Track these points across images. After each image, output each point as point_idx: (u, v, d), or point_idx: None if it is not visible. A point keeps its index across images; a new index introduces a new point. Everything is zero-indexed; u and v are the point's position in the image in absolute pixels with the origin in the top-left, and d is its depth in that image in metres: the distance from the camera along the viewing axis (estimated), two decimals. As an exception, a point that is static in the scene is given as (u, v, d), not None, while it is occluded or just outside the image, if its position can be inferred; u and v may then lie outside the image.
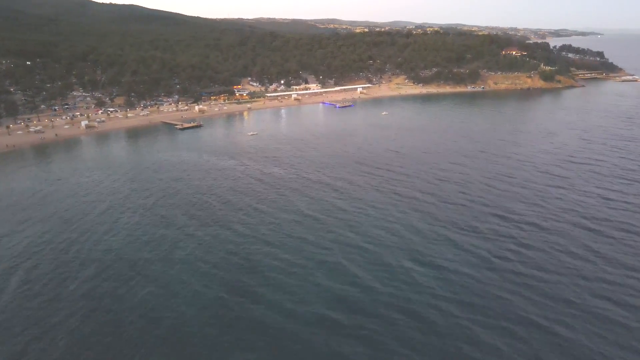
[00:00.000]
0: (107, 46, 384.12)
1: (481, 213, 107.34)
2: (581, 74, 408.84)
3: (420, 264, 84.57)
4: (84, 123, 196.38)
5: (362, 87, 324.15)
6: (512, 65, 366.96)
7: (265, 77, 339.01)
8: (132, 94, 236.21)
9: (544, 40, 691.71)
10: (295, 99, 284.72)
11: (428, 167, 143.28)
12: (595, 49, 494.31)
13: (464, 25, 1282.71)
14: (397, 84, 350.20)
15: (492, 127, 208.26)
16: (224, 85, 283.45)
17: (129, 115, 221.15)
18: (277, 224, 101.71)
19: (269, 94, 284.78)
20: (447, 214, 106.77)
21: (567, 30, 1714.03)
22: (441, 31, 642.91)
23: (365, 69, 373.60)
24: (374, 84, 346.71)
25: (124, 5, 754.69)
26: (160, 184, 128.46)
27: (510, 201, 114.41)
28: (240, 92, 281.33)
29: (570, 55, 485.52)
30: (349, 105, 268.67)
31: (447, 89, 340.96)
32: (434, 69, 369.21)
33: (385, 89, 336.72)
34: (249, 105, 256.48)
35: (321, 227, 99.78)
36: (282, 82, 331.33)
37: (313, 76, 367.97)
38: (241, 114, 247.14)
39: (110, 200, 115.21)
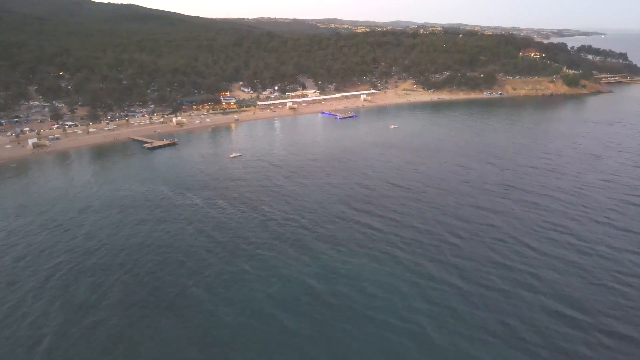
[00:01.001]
0: (89, 47, 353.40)
1: (542, 313, 73.01)
2: (604, 77, 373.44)
3: None
4: (31, 141, 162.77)
5: (366, 94, 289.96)
6: (531, 69, 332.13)
7: (258, 82, 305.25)
8: (98, 104, 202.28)
9: (549, 41, 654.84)
10: (291, 108, 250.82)
11: (450, 216, 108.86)
12: (617, 50, 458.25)
13: (466, 25, 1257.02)
14: (405, 89, 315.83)
15: (520, 146, 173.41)
16: (210, 92, 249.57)
17: (90, 130, 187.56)
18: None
19: (260, 103, 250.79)
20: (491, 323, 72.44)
21: (570, 30, 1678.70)
22: (442, 31, 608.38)
23: (369, 73, 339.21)
24: (379, 90, 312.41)
25: (122, 4, 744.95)
26: (67, 242, 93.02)
27: (584, 291, 78.83)
28: (227, 100, 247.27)
29: (589, 56, 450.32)
30: (352, 116, 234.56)
31: (461, 96, 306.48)
32: (445, 73, 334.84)
33: (392, 95, 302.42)
34: (236, 117, 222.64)
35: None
36: (277, 87, 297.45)
37: (312, 80, 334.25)
38: (228, 126, 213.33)
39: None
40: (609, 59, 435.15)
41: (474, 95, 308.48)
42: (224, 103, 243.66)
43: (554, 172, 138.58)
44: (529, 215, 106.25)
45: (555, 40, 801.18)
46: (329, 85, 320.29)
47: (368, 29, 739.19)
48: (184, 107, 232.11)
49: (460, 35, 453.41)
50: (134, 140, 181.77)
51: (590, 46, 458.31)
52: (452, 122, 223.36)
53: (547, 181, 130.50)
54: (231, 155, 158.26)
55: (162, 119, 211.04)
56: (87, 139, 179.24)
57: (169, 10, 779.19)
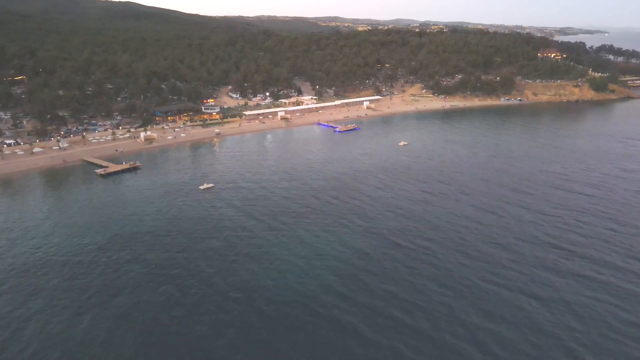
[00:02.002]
0: (66, 47, 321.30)
1: None
2: (629, 80, 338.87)
3: None
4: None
5: (369, 100, 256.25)
6: (553, 71, 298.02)
7: (249, 87, 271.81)
8: (49, 116, 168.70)
9: (553, 39, 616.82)
10: (283, 118, 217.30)
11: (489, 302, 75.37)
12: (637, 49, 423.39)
13: (468, 23, 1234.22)
14: (413, 95, 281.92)
15: (558, 176, 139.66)
16: (190, 100, 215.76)
17: (35, 150, 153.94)
18: None
19: (247, 112, 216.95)
20: None
21: (573, 28, 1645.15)
22: (445, 29, 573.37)
23: (373, 76, 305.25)
24: (383, 95, 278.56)
25: (120, 2, 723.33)
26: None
27: None
28: (210, 110, 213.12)
29: (610, 57, 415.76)
30: (353, 129, 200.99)
31: (476, 102, 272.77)
32: (457, 76, 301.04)
33: (399, 101, 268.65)
34: (217, 130, 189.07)
35: None
36: (267, 94, 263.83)
37: (309, 83, 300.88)
38: (208, 142, 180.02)
39: None
40: (633, 60, 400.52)
41: (490, 102, 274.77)
42: (205, 113, 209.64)
43: (611, 221, 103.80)
44: (595, 309, 72.75)
45: (559, 38, 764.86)
46: (328, 90, 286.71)
47: (369, 27, 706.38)
48: (157, 118, 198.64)
49: (471, 34, 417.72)
50: (88, 163, 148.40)
51: (611, 46, 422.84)
52: (471, 137, 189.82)
53: (607, 237, 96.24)
54: (202, 187, 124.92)
55: (127, 134, 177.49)
56: (29, 161, 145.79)
57: (168, 8, 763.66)
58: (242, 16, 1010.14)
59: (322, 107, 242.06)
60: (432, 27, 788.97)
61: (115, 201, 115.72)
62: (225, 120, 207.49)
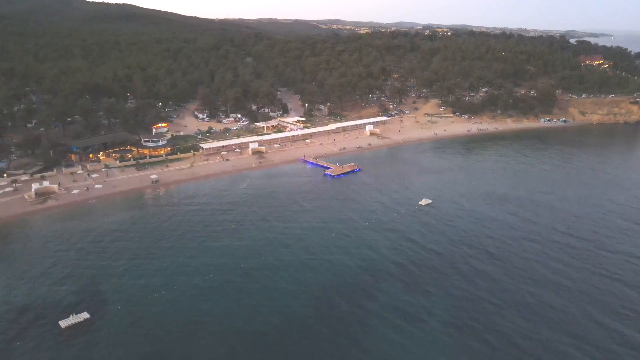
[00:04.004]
0: (10, 50, 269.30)
1: None
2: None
3: None
4: None
5: (373, 123, 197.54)
6: (602, 84, 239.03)
7: (220, 104, 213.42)
8: None
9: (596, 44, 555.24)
10: (256, 152, 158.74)
11: None
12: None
13: (471, 26, 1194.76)
14: (428, 114, 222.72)
15: None
16: (128, 127, 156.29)
17: None
18: None
19: (205, 146, 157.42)
20: None
21: (577, 31, 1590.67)
22: (449, 33, 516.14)
23: (378, 89, 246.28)
24: (391, 115, 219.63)
25: (116, 4, 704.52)
26: None
27: None
28: (153, 142, 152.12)
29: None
30: (352, 170, 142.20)
31: (509, 124, 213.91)
32: (482, 89, 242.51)
33: (411, 124, 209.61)
34: (154, 176, 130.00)
35: None
36: (240, 115, 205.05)
37: (299, 97, 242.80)
38: (136, 196, 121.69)
39: None
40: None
41: (527, 123, 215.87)
42: (146, 147, 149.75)
43: None
44: None
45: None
46: (321, 107, 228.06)
47: (371, 30, 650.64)
48: (73, 155, 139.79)
49: (493, 39, 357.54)
50: None
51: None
52: (519, 180, 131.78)
53: None
54: (65, 325, 66.67)
55: (13, 186, 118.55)
56: None
57: (166, 10, 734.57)
58: (242, 19, 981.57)
59: (311, 133, 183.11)
60: (437, 30, 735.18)
61: None
62: (172, 157, 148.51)
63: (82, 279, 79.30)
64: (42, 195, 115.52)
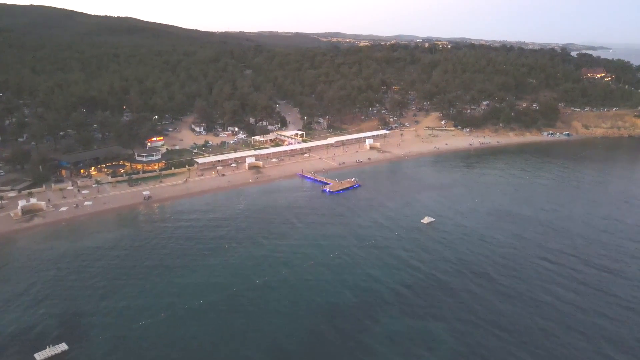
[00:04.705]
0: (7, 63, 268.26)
1: None
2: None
3: None
4: None
5: (373, 137, 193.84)
6: (605, 97, 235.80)
7: (217, 117, 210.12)
8: None
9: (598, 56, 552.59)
10: (253, 167, 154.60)
11: None
12: None
13: (470, 39, 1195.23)
14: (429, 127, 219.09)
15: None
16: (121, 141, 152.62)
17: None
18: None
19: (200, 160, 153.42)
20: None
21: (575, 44, 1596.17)
22: (449, 46, 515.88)
23: (378, 102, 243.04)
24: (391, 129, 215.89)
25: (118, 17, 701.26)
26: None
27: None
28: (147, 156, 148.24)
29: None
30: (351, 186, 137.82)
31: (512, 137, 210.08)
32: (484, 103, 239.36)
33: (411, 137, 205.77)
34: (146, 192, 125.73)
35: None
36: (237, 128, 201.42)
37: (298, 110, 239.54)
38: (129, 212, 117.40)
39: None
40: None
41: (530, 137, 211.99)
42: (139, 162, 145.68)
43: None
44: None
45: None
46: (320, 120, 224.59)
47: (371, 43, 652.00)
48: (63, 171, 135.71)
49: (494, 52, 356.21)
50: None
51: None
52: (525, 196, 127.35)
53: None
54: (37, 357, 61.88)
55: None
56: None
57: (167, 23, 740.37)
58: (243, 32, 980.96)
59: (310, 147, 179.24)
60: (437, 43, 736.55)
61: None
62: (166, 172, 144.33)
63: (62, 303, 74.53)
64: (29, 212, 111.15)
